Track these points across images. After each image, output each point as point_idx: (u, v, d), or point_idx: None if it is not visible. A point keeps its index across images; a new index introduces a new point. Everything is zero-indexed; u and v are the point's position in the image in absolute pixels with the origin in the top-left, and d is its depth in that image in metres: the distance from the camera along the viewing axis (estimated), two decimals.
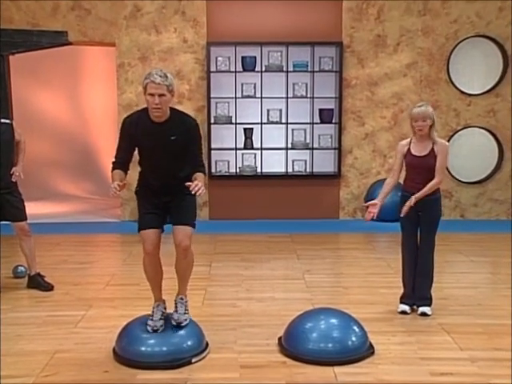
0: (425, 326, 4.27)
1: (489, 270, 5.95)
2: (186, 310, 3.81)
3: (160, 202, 3.73)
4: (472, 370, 3.55)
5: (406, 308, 4.52)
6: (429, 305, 4.51)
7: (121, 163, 3.72)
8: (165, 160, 3.66)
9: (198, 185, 3.45)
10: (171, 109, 3.64)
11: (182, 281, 3.85)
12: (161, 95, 3.48)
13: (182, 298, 3.83)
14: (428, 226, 4.43)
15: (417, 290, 4.53)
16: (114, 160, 3.76)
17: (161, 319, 3.75)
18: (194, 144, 3.68)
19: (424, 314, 4.45)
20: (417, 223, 4.45)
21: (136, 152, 3.76)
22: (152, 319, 3.74)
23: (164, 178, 3.70)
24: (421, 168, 4.36)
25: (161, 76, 3.48)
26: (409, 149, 4.43)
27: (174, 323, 3.72)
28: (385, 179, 4.68)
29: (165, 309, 3.86)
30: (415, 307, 4.54)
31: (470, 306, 4.69)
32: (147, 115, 3.60)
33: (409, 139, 4.50)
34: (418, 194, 4.34)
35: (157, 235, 3.72)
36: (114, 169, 3.73)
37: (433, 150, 4.35)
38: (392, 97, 8.11)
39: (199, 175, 3.63)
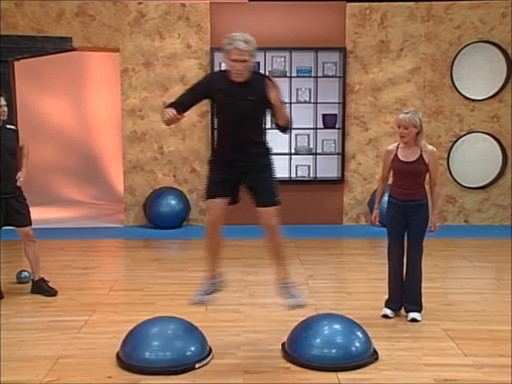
0: (429, 331, 4.25)
1: (493, 276, 5.94)
2: (295, 290, 3.75)
3: (235, 172, 3.66)
4: (476, 376, 3.54)
5: (389, 312, 4.54)
6: (419, 311, 4.51)
7: (179, 105, 3.65)
8: (242, 119, 3.61)
9: (274, 86, 3.48)
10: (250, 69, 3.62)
11: (279, 262, 3.80)
12: (243, 61, 3.50)
13: (286, 283, 3.77)
14: (416, 230, 4.43)
15: (406, 295, 4.53)
16: (171, 101, 3.69)
17: (210, 294, 3.73)
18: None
19: (414, 320, 4.44)
20: (404, 228, 4.47)
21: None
22: (201, 290, 3.74)
23: (240, 137, 3.64)
24: (409, 174, 4.38)
25: (245, 42, 3.50)
26: (396, 154, 4.44)
27: (292, 306, 3.69)
28: (389, 185, 4.68)
29: (218, 284, 3.82)
30: (404, 313, 4.54)
31: (474, 312, 4.68)
32: (228, 74, 3.60)
33: (396, 144, 4.52)
34: (435, 211, 4.46)
35: (223, 206, 3.68)
36: (170, 106, 3.65)
37: (421, 156, 4.37)
38: (395, 102, 8.11)
39: None
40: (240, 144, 3.65)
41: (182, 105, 3.68)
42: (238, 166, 3.67)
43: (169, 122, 3.58)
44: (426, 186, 4.48)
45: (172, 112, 3.50)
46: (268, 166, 3.71)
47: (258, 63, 7.95)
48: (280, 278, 3.83)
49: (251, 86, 3.59)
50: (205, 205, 3.69)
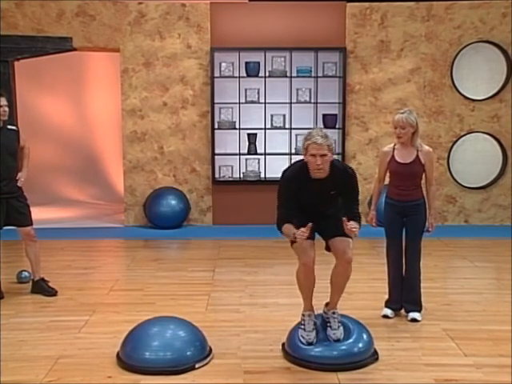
0: (429, 331, 4.25)
1: (493, 276, 5.93)
2: (338, 323, 3.78)
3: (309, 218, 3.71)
4: (477, 376, 3.54)
5: (389, 312, 4.56)
6: (419, 311, 4.51)
7: (289, 217, 3.68)
8: (320, 205, 3.74)
9: (353, 225, 3.53)
10: (330, 163, 3.62)
11: (337, 294, 3.86)
12: (322, 155, 3.51)
13: (334, 313, 3.81)
14: (414, 230, 4.44)
15: (406, 295, 4.54)
16: (281, 218, 3.70)
17: (313, 329, 3.74)
18: (350, 195, 3.71)
19: (414, 320, 4.45)
20: (401, 228, 4.48)
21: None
22: (304, 329, 3.74)
23: (315, 213, 3.73)
24: (405, 175, 4.39)
25: (322, 136, 3.52)
26: (393, 155, 4.44)
27: (332, 340, 3.70)
28: (387, 185, 4.68)
29: (316, 318, 3.83)
30: (405, 313, 4.54)
31: (474, 312, 4.68)
32: (307, 170, 3.60)
33: (392, 145, 4.51)
34: (432, 211, 4.44)
35: (313, 247, 3.77)
36: (283, 224, 3.68)
37: (418, 157, 4.38)
38: (396, 102, 8.10)
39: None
40: (314, 215, 3.73)
41: (291, 216, 3.69)
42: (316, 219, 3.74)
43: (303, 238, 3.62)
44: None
45: (300, 232, 3.53)
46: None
47: (258, 63, 7.96)
48: (331, 305, 3.86)
49: (331, 179, 3.61)
50: (294, 248, 3.74)
